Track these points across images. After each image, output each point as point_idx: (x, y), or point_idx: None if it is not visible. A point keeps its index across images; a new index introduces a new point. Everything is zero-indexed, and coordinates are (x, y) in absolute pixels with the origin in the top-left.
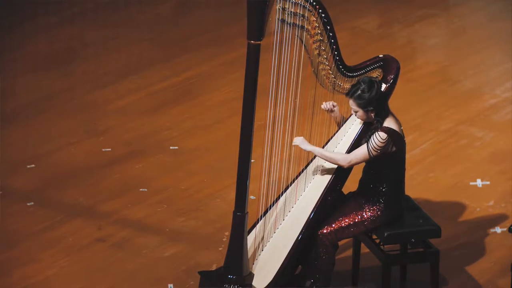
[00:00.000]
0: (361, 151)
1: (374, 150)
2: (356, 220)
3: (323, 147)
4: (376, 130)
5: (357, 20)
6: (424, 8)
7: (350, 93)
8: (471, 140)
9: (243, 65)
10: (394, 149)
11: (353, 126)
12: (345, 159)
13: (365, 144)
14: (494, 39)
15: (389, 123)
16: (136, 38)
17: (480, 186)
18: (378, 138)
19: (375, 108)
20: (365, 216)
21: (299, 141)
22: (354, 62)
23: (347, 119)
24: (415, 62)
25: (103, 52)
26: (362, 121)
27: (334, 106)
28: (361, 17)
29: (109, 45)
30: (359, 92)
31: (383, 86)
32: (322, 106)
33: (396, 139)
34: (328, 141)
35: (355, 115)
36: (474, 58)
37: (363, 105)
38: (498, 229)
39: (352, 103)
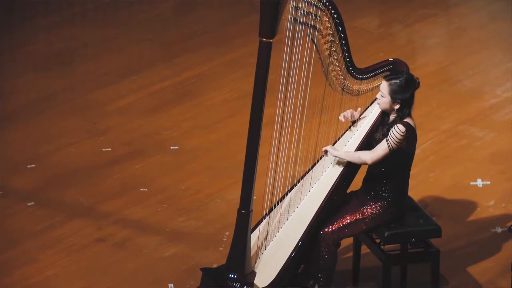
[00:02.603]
0: (382, 147)
1: (394, 143)
2: (358, 218)
3: (334, 143)
4: (395, 123)
5: (357, 20)
6: (424, 8)
7: (388, 77)
8: (472, 140)
9: (243, 65)
10: (406, 146)
11: (365, 123)
12: (369, 155)
13: (384, 140)
14: (494, 39)
15: (409, 120)
16: (137, 38)
17: (481, 186)
18: (398, 130)
19: (402, 102)
20: (366, 213)
21: (330, 149)
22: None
23: (360, 115)
24: (415, 62)
25: (103, 52)
26: (373, 119)
27: (353, 115)
28: (361, 17)
29: (109, 45)
30: (398, 81)
31: None
32: (341, 118)
33: (412, 135)
34: (340, 137)
35: (379, 99)
36: (474, 58)
37: (395, 92)
38: (498, 229)
39: (385, 87)
